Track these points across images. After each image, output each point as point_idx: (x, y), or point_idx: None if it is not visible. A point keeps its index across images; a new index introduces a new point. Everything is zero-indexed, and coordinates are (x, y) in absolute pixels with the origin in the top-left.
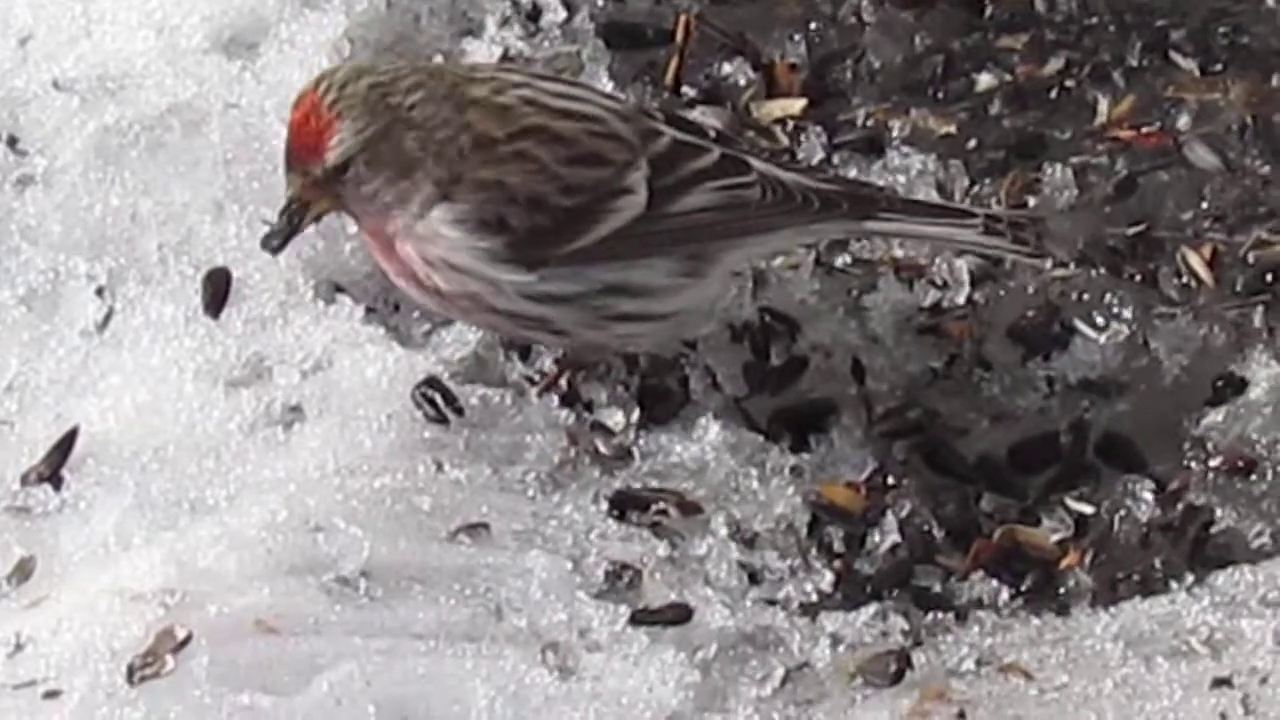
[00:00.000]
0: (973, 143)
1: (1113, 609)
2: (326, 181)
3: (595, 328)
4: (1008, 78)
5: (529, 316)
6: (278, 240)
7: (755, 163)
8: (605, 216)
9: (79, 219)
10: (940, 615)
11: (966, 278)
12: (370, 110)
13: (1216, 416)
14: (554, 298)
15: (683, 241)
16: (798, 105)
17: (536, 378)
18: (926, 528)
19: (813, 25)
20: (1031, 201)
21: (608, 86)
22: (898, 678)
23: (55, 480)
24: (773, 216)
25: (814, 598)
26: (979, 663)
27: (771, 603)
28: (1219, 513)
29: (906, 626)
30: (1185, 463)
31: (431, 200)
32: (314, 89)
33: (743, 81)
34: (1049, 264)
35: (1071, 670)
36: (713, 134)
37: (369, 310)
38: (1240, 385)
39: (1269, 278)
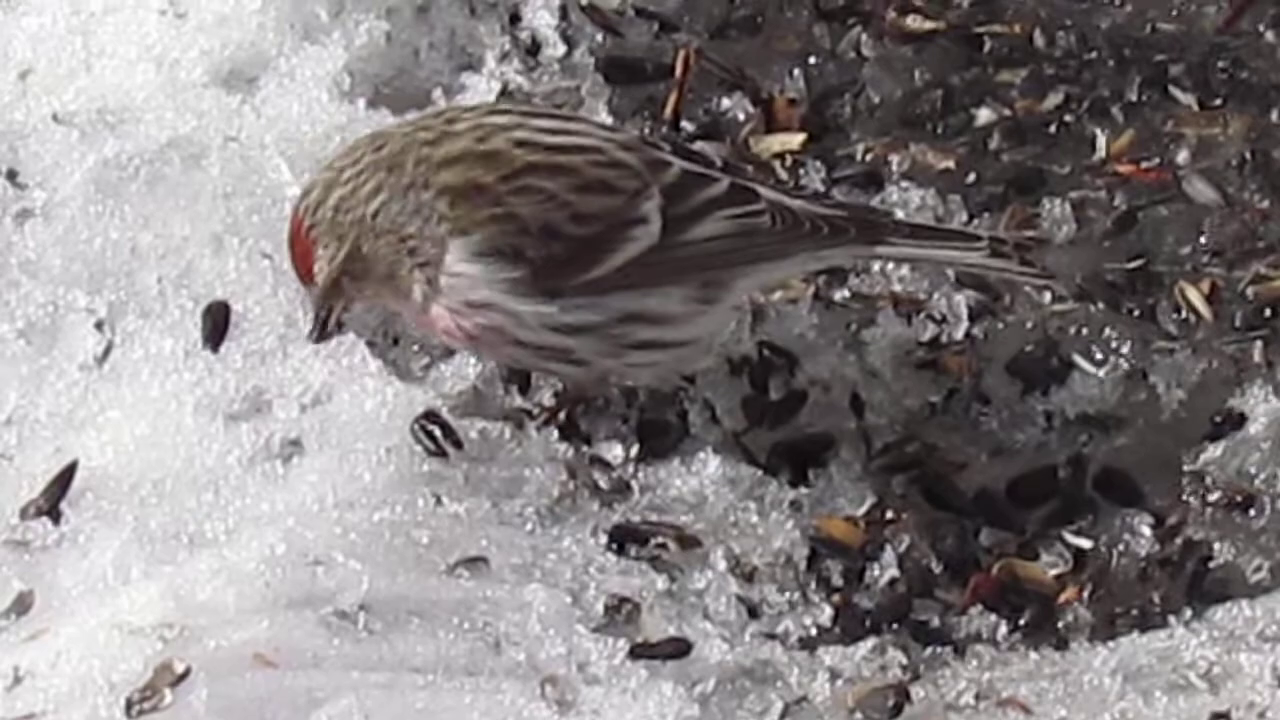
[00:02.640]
0: (972, 177)
1: (1111, 643)
2: (331, 293)
3: (614, 356)
4: (1006, 112)
5: (550, 347)
6: (316, 334)
7: (763, 191)
8: (621, 245)
9: (78, 252)
10: (939, 649)
11: (965, 312)
12: (336, 232)
13: (1215, 451)
14: (574, 328)
15: (697, 269)
16: (797, 140)
17: (535, 411)
18: (925, 562)
19: (812, 60)
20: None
21: (607, 121)
22: (896, 712)
23: (54, 514)
24: (783, 243)
25: (813, 632)
26: (978, 697)
27: (770, 636)
28: (1217, 547)
29: (905, 660)
30: (1184, 497)
31: (433, 272)
32: (298, 209)
33: (742, 116)
34: (1048, 298)
35: (1070, 704)
36: (719, 163)
37: (368, 344)
38: (1239, 420)
39: (1268, 313)
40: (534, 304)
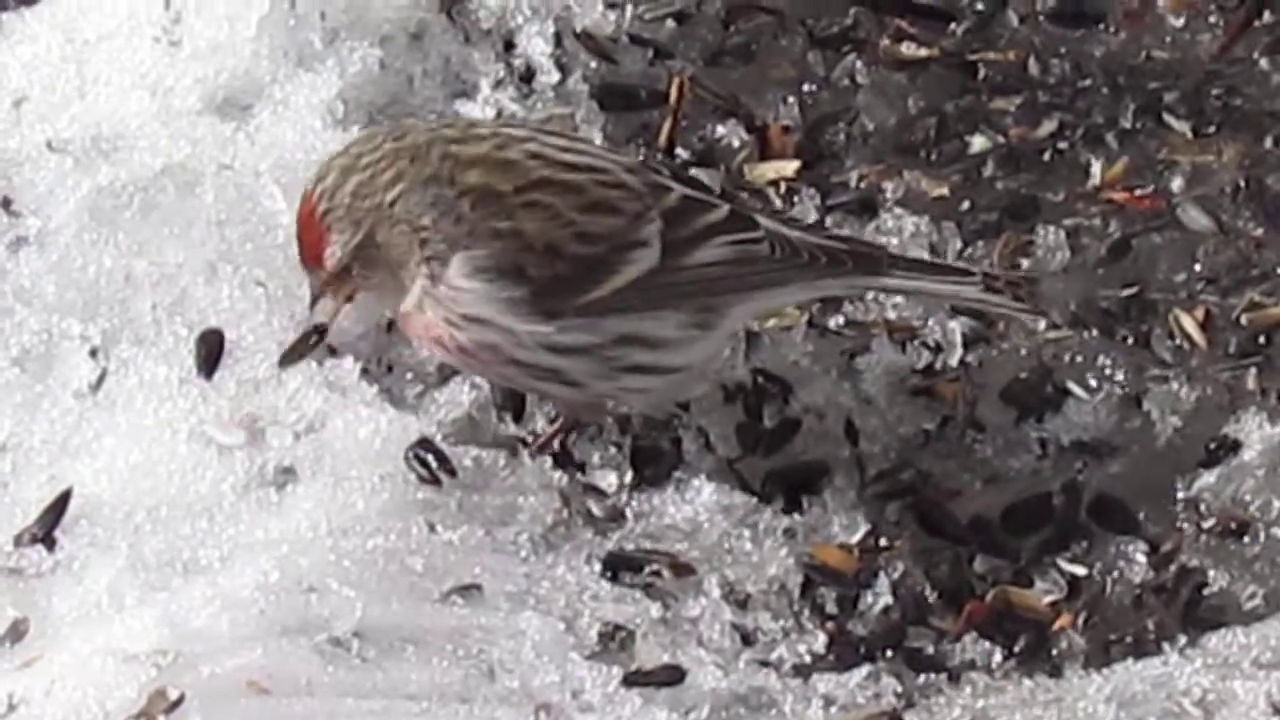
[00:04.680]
0: (966, 204)
1: (1105, 670)
2: (337, 279)
3: (607, 379)
4: (1001, 140)
5: (545, 368)
6: (293, 359)
7: (762, 220)
8: (621, 268)
9: (72, 280)
10: (933, 677)
11: (959, 340)
12: (353, 218)
13: (1209, 478)
14: (569, 349)
15: (694, 294)
16: (791, 167)
17: (529, 439)
18: (919, 589)
19: (806, 87)
20: (1025, 263)
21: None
22: None
23: (49, 541)
24: (781, 271)
25: (807, 659)
26: None
27: (764, 664)
28: (1212, 574)
29: (899, 688)
30: (1178, 524)
31: (439, 269)
32: (312, 193)
33: (736, 143)
34: (1042, 325)
35: None
36: (718, 190)
37: (362, 371)
38: (1233, 447)
39: (1262, 340)
40: (532, 324)
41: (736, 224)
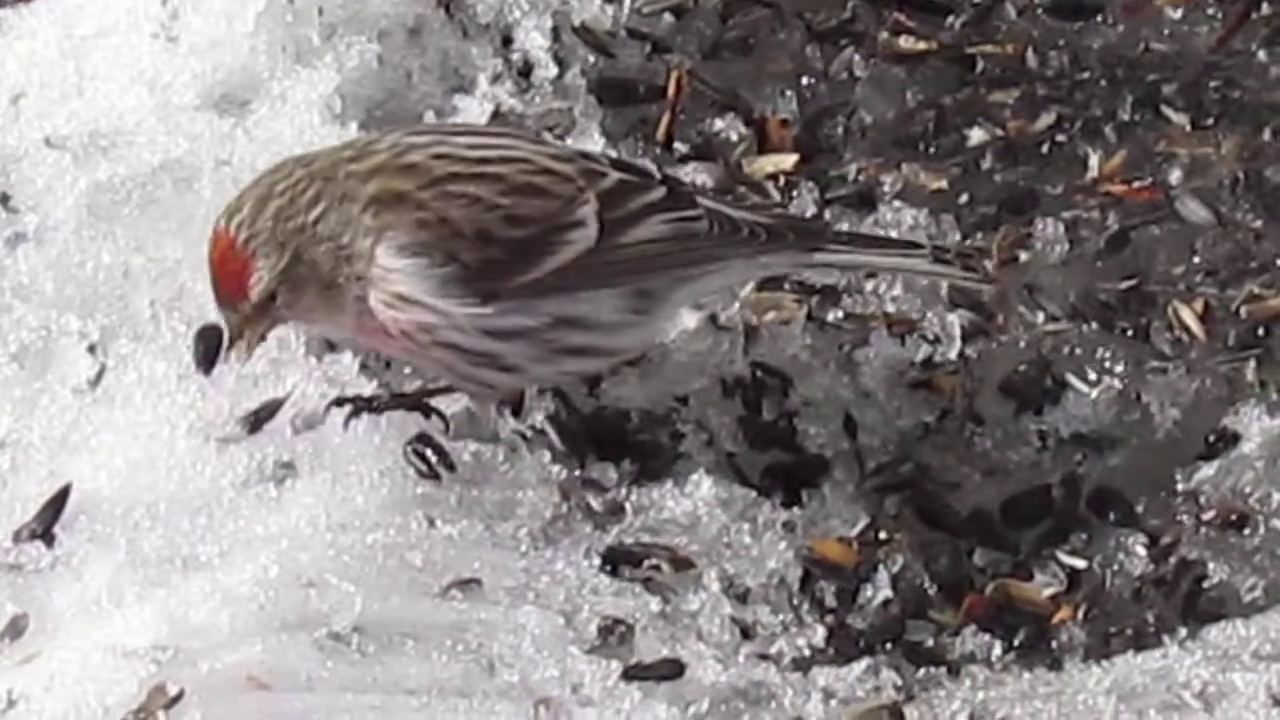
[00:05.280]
0: (964, 197)
1: (1105, 663)
2: (259, 312)
3: (546, 362)
4: (999, 133)
5: (482, 352)
6: (244, 353)
7: (702, 199)
8: (557, 249)
9: (71, 276)
10: (933, 670)
11: (958, 332)
12: (279, 241)
13: (1209, 470)
14: (507, 332)
15: (633, 272)
16: (790, 161)
17: (529, 434)
18: (919, 582)
19: (804, 81)
20: (1023, 256)
21: (600, 142)
22: None
23: (48, 537)
24: (720, 248)
25: (806, 653)
26: (971, 717)
27: (764, 658)
28: (1211, 566)
29: (899, 681)
30: (1178, 516)
31: (363, 276)
32: (226, 228)
33: (734, 137)
34: (1041, 318)
35: None
36: (658, 176)
37: (361, 366)
38: (1232, 439)
39: (1261, 332)
40: (467, 306)
41: (675, 203)
